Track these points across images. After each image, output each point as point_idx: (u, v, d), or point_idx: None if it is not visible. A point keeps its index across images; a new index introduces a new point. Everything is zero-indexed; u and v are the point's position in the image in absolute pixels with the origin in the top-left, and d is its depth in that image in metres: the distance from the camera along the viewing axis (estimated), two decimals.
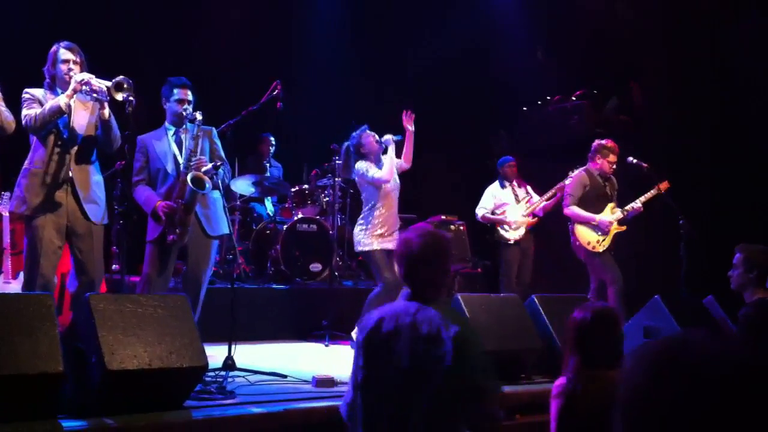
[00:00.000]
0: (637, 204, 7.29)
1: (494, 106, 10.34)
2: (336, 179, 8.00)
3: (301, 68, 9.38)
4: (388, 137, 6.59)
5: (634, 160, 7.36)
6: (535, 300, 5.64)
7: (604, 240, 7.24)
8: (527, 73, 9.71)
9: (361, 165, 6.62)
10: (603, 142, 7.46)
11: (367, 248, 6.57)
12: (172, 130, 5.55)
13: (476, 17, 10.13)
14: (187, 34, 8.97)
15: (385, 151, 6.60)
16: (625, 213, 7.29)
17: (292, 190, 8.35)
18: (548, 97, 10.10)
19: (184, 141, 5.45)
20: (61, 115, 4.83)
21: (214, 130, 5.73)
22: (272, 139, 9.09)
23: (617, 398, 1.07)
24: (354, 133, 6.74)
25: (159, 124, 5.62)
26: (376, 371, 2.96)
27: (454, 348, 2.81)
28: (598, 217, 7.24)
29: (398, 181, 6.75)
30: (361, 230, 6.63)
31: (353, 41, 9.92)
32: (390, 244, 6.57)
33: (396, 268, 6.97)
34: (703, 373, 1.00)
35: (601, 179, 7.40)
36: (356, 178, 6.77)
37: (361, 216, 6.73)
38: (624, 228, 7.32)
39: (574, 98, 9.76)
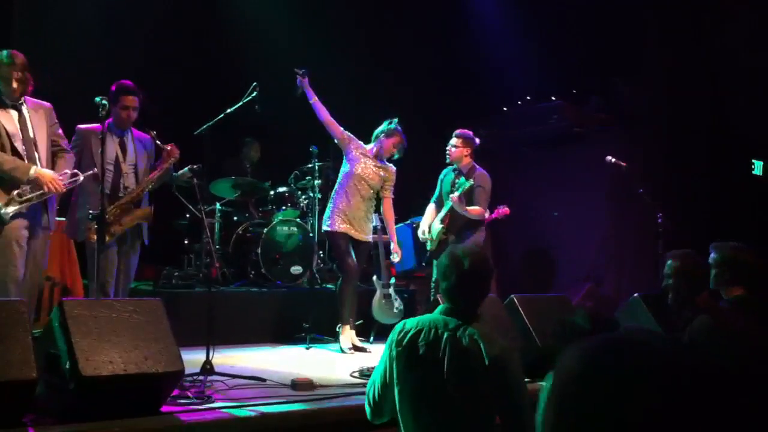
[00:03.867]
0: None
1: (476, 103, 10.33)
2: (316, 181, 7.97)
3: (281, 68, 9.32)
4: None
5: (613, 160, 7.33)
6: (515, 299, 5.64)
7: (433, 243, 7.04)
8: (511, 69, 9.69)
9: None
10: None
11: (328, 228, 6.72)
12: (115, 133, 5.62)
13: (459, 14, 10.15)
14: (166, 36, 8.90)
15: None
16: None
17: (272, 192, 8.31)
18: (528, 98, 10.11)
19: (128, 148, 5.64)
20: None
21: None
22: (251, 141, 9.06)
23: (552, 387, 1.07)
24: (393, 125, 6.79)
25: None
26: (414, 381, 3.00)
27: (494, 366, 2.88)
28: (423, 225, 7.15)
29: (372, 180, 6.77)
30: (328, 209, 6.81)
31: (331, 40, 9.88)
32: (353, 231, 6.67)
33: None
34: (636, 366, 1.00)
35: (454, 174, 7.04)
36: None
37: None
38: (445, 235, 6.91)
39: (553, 98, 9.78)
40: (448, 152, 6.99)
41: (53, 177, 4.94)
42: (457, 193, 6.71)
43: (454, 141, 6.96)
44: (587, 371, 1.02)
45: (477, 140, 7.04)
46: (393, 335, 3.10)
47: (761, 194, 8.20)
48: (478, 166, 6.99)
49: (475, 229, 6.87)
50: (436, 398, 2.95)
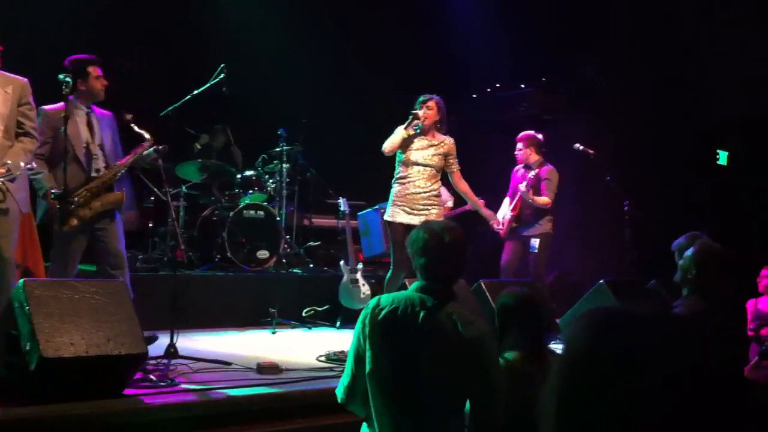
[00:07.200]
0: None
1: (447, 88, 10.28)
2: (283, 165, 7.90)
3: (248, 52, 9.23)
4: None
5: (581, 147, 7.37)
6: (482, 284, 5.66)
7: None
8: (482, 54, 9.67)
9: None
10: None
11: (387, 218, 6.19)
12: (83, 111, 5.35)
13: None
14: (133, 15, 8.76)
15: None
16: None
17: (239, 176, 8.22)
18: (497, 85, 10.11)
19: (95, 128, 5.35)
20: None
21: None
22: (221, 128, 8.94)
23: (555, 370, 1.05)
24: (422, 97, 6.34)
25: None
26: (388, 359, 2.89)
27: (472, 349, 2.82)
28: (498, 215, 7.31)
29: (431, 162, 6.14)
30: (390, 199, 6.26)
31: (301, 23, 9.81)
32: (412, 220, 5.94)
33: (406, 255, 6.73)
34: (641, 339, 0.99)
35: (525, 169, 7.35)
36: None
37: None
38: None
39: (522, 86, 9.80)
40: (516, 157, 7.41)
41: None
42: (523, 185, 7.13)
43: (518, 146, 7.39)
44: (596, 344, 1.01)
45: (539, 136, 7.40)
46: (366, 311, 2.97)
47: (726, 184, 8.30)
48: (547, 162, 7.33)
49: (541, 218, 7.22)
50: (409, 378, 2.85)
